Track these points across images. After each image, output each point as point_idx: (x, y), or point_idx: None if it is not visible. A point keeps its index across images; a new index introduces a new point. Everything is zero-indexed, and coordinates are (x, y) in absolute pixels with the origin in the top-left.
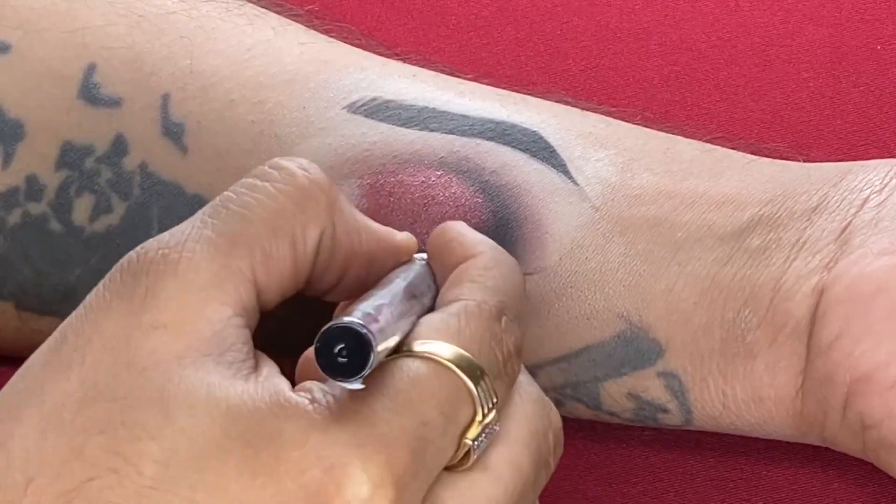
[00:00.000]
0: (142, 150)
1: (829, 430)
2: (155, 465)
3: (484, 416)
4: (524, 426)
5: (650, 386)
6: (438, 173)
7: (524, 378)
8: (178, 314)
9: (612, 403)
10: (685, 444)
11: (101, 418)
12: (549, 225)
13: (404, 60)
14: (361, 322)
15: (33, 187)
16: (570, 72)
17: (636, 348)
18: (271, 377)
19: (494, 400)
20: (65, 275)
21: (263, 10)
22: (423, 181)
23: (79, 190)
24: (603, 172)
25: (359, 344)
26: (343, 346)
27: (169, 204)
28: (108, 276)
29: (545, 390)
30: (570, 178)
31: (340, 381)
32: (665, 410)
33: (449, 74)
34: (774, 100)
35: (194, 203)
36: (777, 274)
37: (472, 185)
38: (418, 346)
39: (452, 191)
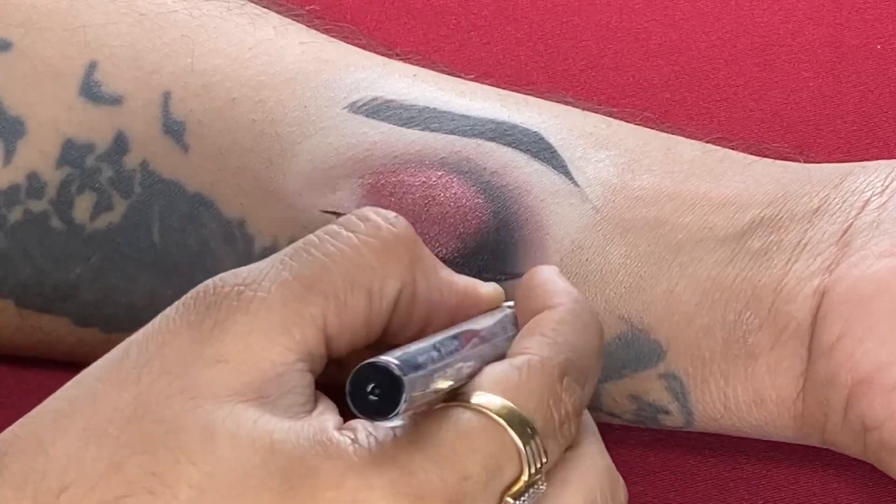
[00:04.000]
0: (143, 148)
1: (829, 432)
2: (190, 490)
3: (531, 476)
4: (579, 494)
5: (651, 387)
6: (439, 173)
7: (595, 448)
8: (242, 352)
9: (613, 405)
10: (685, 444)
11: (145, 438)
12: (550, 226)
13: (405, 60)
14: (395, 362)
15: (34, 185)
16: (571, 72)
17: (637, 350)
18: (323, 413)
19: (544, 460)
20: (65, 273)
21: (264, 9)
22: (423, 181)
23: (80, 188)
24: (604, 173)
25: (390, 383)
26: (374, 385)
27: (170, 202)
28: (181, 300)
29: None
30: (571, 178)
31: (373, 420)
32: (666, 412)
33: (450, 75)
34: (775, 100)
35: (195, 201)
36: (778, 276)
37: (473, 186)
38: (474, 397)
39: (453, 191)
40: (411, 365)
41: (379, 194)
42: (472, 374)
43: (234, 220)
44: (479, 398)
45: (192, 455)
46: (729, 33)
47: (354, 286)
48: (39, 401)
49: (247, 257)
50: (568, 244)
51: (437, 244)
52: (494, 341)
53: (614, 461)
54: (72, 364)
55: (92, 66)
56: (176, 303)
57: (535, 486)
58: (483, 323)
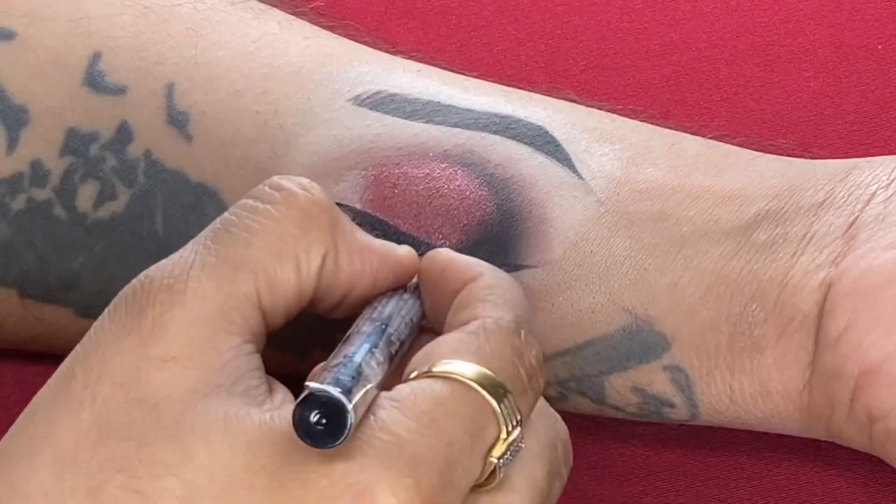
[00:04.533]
0: (146, 137)
1: (835, 424)
2: (178, 502)
3: (508, 433)
4: (535, 440)
5: (656, 380)
6: (443, 166)
7: None
8: (188, 346)
9: (616, 398)
10: (686, 443)
11: (118, 457)
12: (554, 218)
13: (408, 58)
14: (336, 391)
15: (38, 173)
16: (571, 71)
17: (642, 342)
18: (286, 404)
19: (518, 417)
20: (68, 262)
21: (268, 6)
22: (427, 173)
23: (83, 177)
24: (608, 167)
25: (335, 411)
26: (320, 414)
27: (173, 192)
28: (111, 306)
29: (549, 384)
30: (575, 171)
31: (316, 446)
32: (671, 405)
33: (453, 72)
34: (775, 99)
35: (198, 191)
36: (784, 268)
37: (477, 178)
38: (440, 366)
39: (457, 183)
40: (351, 384)
41: (382, 186)
42: (391, 364)
43: None
44: (445, 366)
45: (171, 467)
46: (729, 33)
47: (281, 258)
48: None
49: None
50: (572, 236)
51: (441, 236)
52: (403, 324)
53: (615, 460)
54: None
55: (96, 57)
56: (106, 310)
57: (515, 444)
58: (392, 307)
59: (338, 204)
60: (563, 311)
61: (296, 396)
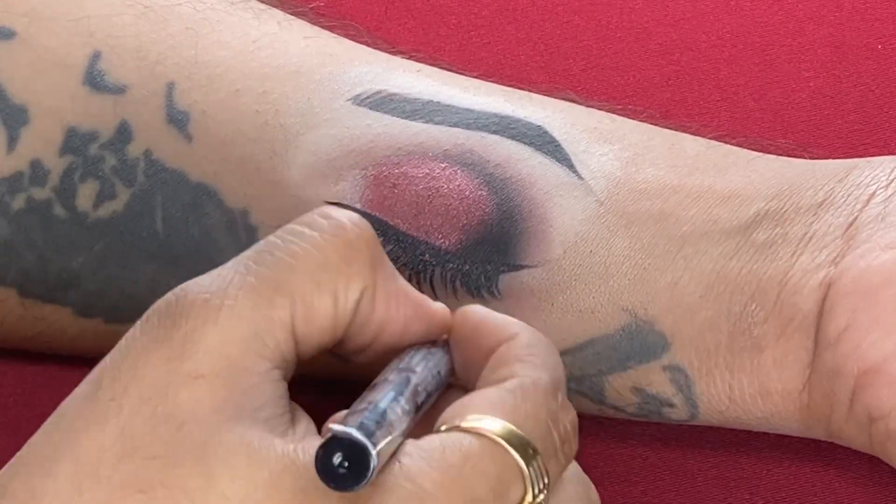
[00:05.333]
0: (146, 137)
1: (835, 424)
2: None
3: (534, 496)
4: None
5: (655, 379)
6: (443, 165)
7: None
8: (218, 365)
9: (616, 397)
10: (686, 443)
11: (140, 476)
12: (554, 218)
13: (408, 58)
14: (359, 436)
15: (37, 172)
16: (571, 71)
17: (641, 341)
18: (308, 436)
19: (546, 480)
20: (68, 261)
21: (268, 6)
22: (427, 173)
23: (83, 176)
24: (608, 167)
25: (358, 454)
26: (342, 457)
27: (173, 191)
28: (144, 316)
29: None
30: (575, 171)
31: (338, 489)
32: (670, 405)
33: (454, 73)
34: (775, 99)
35: (198, 191)
36: (784, 268)
37: (477, 178)
38: (471, 421)
39: (457, 183)
40: (375, 429)
41: (382, 186)
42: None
43: (237, 211)
44: (476, 422)
45: (191, 493)
46: (729, 33)
47: (320, 287)
48: (40, 400)
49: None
50: (572, 236)
51: (440, 236)
52: (428, 382)
53: (615, 460)
54: (73, 360)
55: (96, 56)
56: (138, 321)
57: None
58: (420, 359)
59: (337, 204)
60: (563, 311)
61: (319, 430)
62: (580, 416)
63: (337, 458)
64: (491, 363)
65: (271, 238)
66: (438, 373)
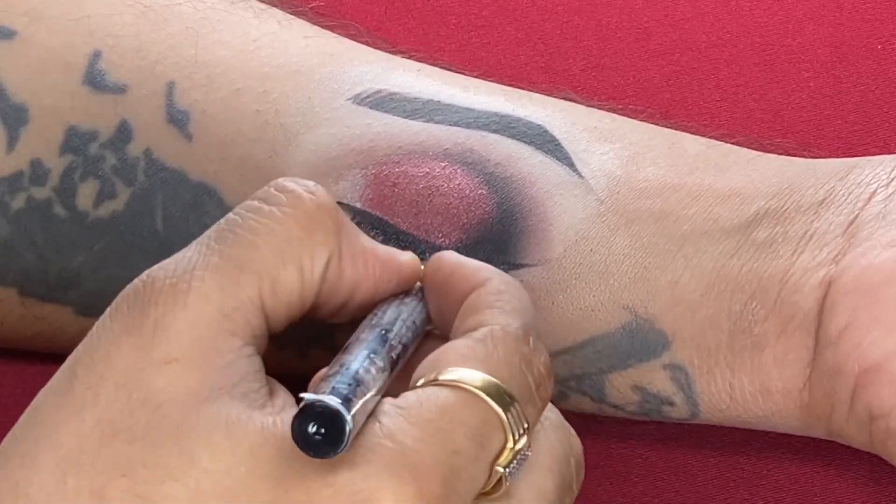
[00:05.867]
0: (146, 136)
1: (835, 422)
2: None
3: (515, 442)
4: (546, 452)
5: (656, 378)
6: (443, 164)
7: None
8: (190, 347)
9: (617, 396)
10: (686, 443)
11: (121, 460)
12: (554, 217)
13: (408, 58)
14: (336, 401)
15: (38, 172)
16: (571, 71)
17: (642, 340)
18: (287, 408)
19: (525, 426)
20: (68, 261)
21: (268, 5)
22: (427, 172)
23: (83, 175)
24: (608, 165)
25: (332, 420)
26: (317, 425)
27: (173, 191)
28: (113, 305)
29: None
30: (575, 170)
31: (317, 457)
32: (671, 403)
33: (454, 72)
34: (775, 99)
35: (198, 190)
36: (784, 266)
37: (477, 177)
38: (446, 374)
39: (457, 182)
40: (348, 391)
41: (382, 185)
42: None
43: None
44: (452, 374)
45: (174, 471)
46: (729, 33)
47: (285, 261)
48: None
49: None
50: (572, 235)
51: (441, 234)
52: (407, 330)
53: (615, 460)
54: None
55: (96, 56)
56: (108, 309)
57: (522, 453)
58: (393, 312)
59: (338, 203)
60: (564, 310)
61: (297, 400)
62: (580, 414)
63: (312, 427)
64: (462, 311)
65: (231, 216)
66: (413, 322)
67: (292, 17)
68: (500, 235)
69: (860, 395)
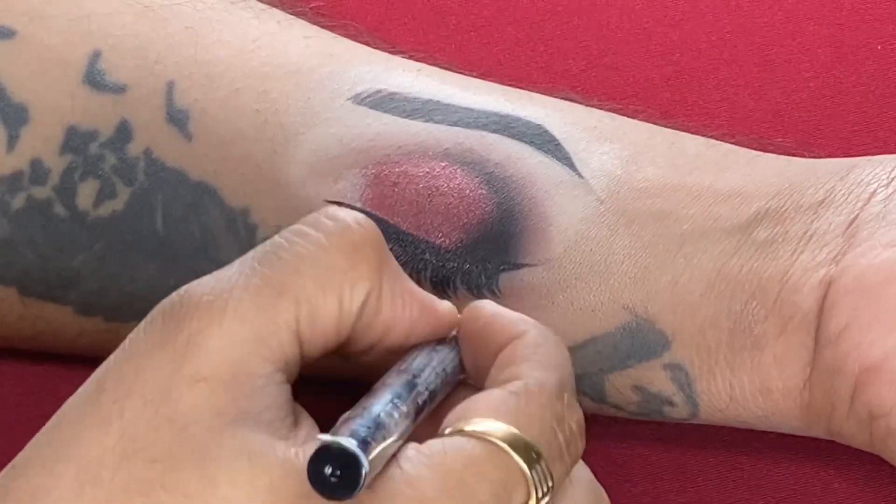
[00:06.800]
0: (146, 136)
1: (835, 422)
2: None
3: (538, 500)
4: None
5: (656, 378)
6: (443, 164)
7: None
8: (220, 368)
9: (617, 396)
10: (686, 443)
11: (141, 479)
12: (554, 217)
13: (408, 58)
14: (352, 444)
15: (38, 171)
16: (571, 71)
17: (642, 340)
18: (311, 441)
19: (550, 484)
20: (68, 260)
21: (268, 5)
22: (427, 172)
23: (83, 175)
24: (608, 165)
25: (349, 462)
26: (331, 465)
27: (173, 190)
28: (148, 317)
29: None
30: (575, 170)
31: (332, 499)
32: (671, 403)
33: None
34: (775, 99)
35: (198, 189)
36: (784, 266)
37: (477, 177)
38: (474, 425)
39: (457, 182)
40: (366, 434)
41: (382, 184)
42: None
43: (238, 210)
44: (479, 426)
45: (192, 497)
46: (729, 33)
47: (326, 290)
48: (40, 400)
49: (250, 246)
50: (572, 235)
51: (441, 234)
52: (437, 380)
53: (615, 460)
54: (73, 360)
55: (96, 55)
56: (143, 322)
57: None
58: (423, 359)
59: (337, 203)
60: (564, 310)
61: (322, 430)
62: None
63: (328, 469)
64: (498, 362)
65: (276, 239)
66: (444, 370)
67: (292, 17)
68: (500, 235)
69: (860, 394)
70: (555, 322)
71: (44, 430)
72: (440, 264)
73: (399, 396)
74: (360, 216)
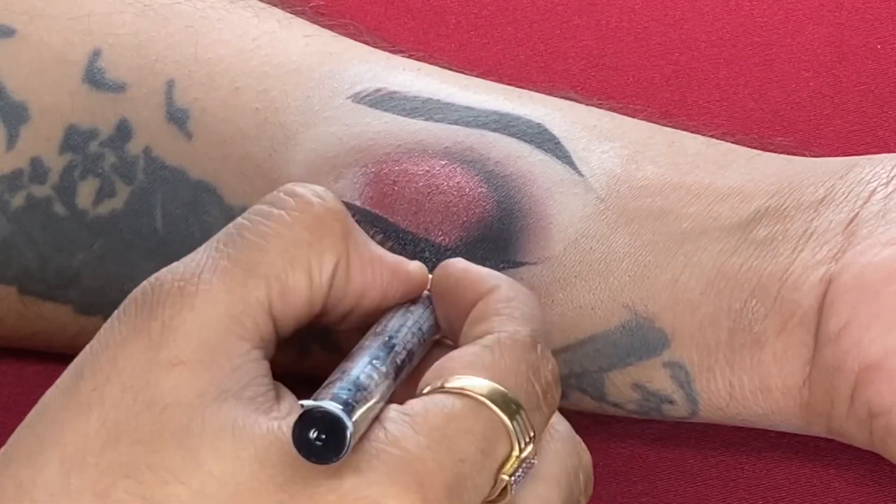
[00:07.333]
0: (146, 134)
1: (835, 420)
2: None
3: (521, 450)
4: (555, 464)
5: (656, 376)
6: (442, 163)
7: (554, 415)
8: (197, 350)
9: (617, 394)
10: (685, 443)
11: (126, 461)
12: (554, 215)
13: (408, 57)
14: (338, 407)
15: (37, 170)
16: (571, 71)
17: (642, 338)
18: (293, 413)
19: (531, 434)
20: (68, 259)
21: (268, 4)
22: (426, 170)
23: (83, 173)
24: (608, 164)
25: (333, 426)
26: (316, 430)
27: (173, 189)
28: (121, 307)
29: None
30: (575, 168)
31: (319, 463)
32: (670, 401)
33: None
34: (775, 99)
35: (198, 188)
36: (784, 265)
37: (477, 175)
38: (453, 381)
39: (456, 180)
40: (348, 397)
41: (382, 183)
42: (397, 380)
43: (237, 208)
44: (458, 381)
45: (178, 473)
46: (729, 33)
47: (294, 265)
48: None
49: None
50: (572, 233)
51: (441, 233)
52: (415, 336)
53: (615, 460)
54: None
55: (96, 54)
56: (116, 311)
57: (528, 461)
58: (399, 320)
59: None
60: (563, 308)
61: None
62: (580, 413)
63: (312, 433)
64: (470, 318)
65: (240, 220)
66: (420, 329)
67: (292, 15)
68: (500, 234)
69: (860, 392)
70: (554, 320)
71: (24, 423)
72: (440, 262)
73: (377, 358)
74: (321, 189)
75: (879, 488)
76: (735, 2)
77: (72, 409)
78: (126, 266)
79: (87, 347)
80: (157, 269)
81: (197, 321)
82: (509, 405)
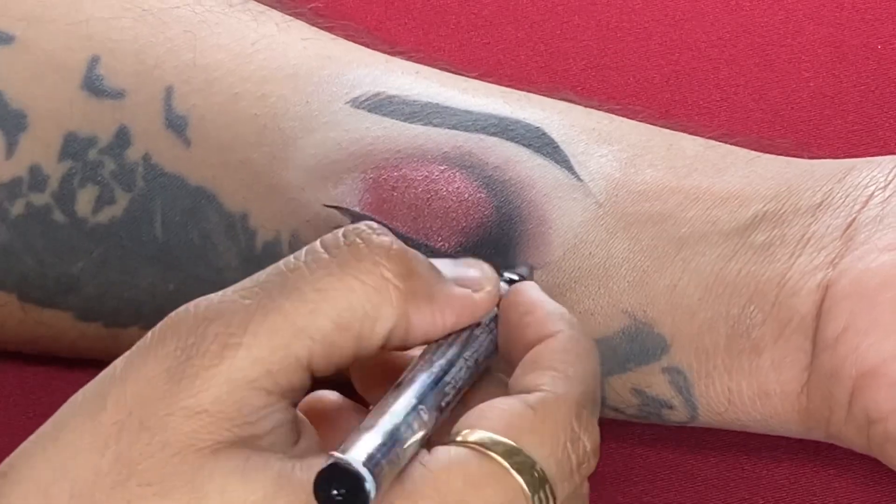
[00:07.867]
0: (145, 141)
1: (834, 426)
2: None
3: None
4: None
5: (655, 381)
6: (442, 168)
7: None
8: (224, 402)
9: (616, 399)
10: (685, 444)
11: (134, 502)
12: (553, 220)
13: (407, 59)
14: (360, 467)
15: (36, 178)
16: (571, 71)
17: (641, 343)
18: (309, 455)
19: None
20: (68, 266)
21: (267, 7)
22: (426, 176)
23: (82, 181)
24: (607, 168)
25: (356, 487)
26: (338, 485)
27: (172, 196)
28: (159, 332)
29: None
30: (574, 173)
31: None
32: (670, 406)
33: (452, 73)
34: (775, 99)
35: (197, 195)
36: (782, 270)
37: (476, 180)
38: (482, 436)
39: (456, 185)
40: (378, 453)
41: (381, 188)
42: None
43: (237, 215)
44: (492, 440)
45: None
46: (729, 33)
47: (343, 330)
48: (40, 400)
49: (249, 251)
50: (571, 238)
51: (440, 238)
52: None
53: (614, 460)
54: (73, 361)
55: (94, 61)
56: (152, 336)
57: None
58: (456, 350)
59: (336, 207)
60: None
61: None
62: None
63: (334, 490)
64: (525, 360)
65: (298, 264)
66: (476, 361)
67: (290, 18)
68: (499, 239)
69: (858, 398)
70: None
71: (39, 437)
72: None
73: (422, 401)
74: (385, 236)
75: (879, 489)
76: (735, 2)
77: (88, 440)
78: (126, 273)
79: (118, 369)
80: (157, 276)
81: (232, 376)
82: (534, 475)
